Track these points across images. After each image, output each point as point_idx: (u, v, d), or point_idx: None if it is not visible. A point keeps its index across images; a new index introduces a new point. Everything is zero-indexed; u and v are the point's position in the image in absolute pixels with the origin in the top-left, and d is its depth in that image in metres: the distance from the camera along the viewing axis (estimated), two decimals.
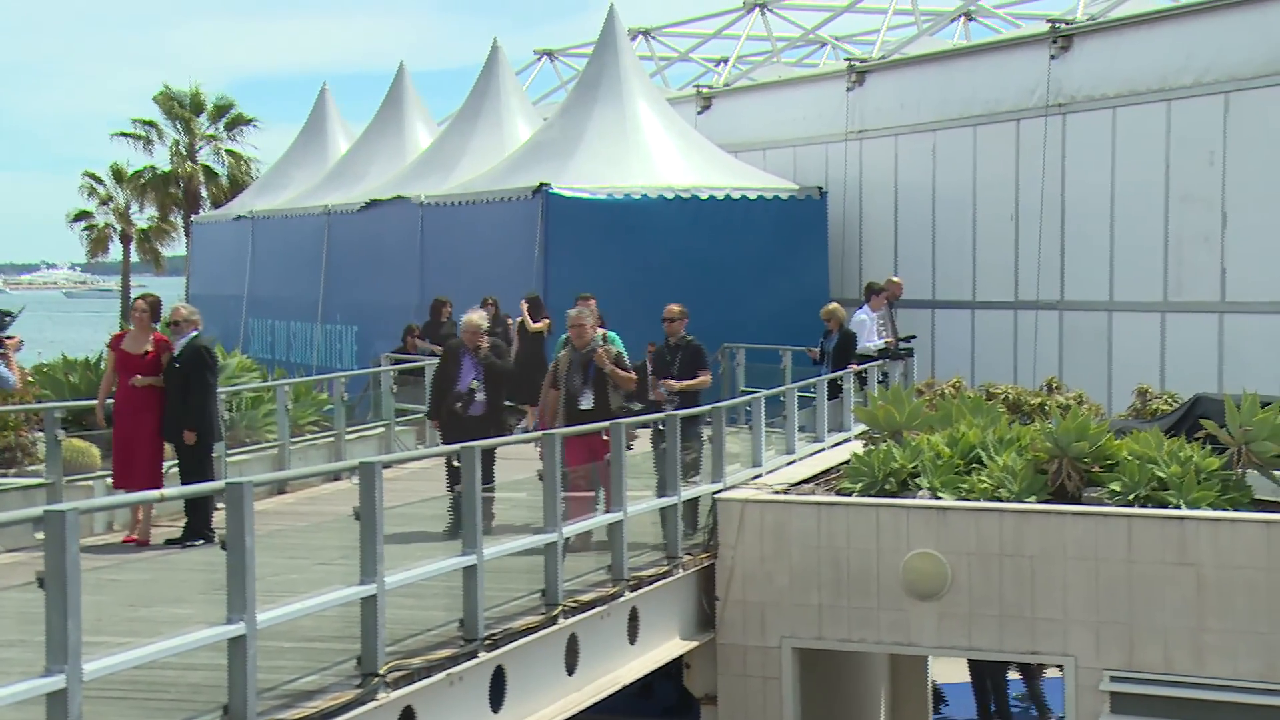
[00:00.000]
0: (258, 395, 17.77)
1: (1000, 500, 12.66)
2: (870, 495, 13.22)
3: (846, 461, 14.39)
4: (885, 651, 14.06)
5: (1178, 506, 12.11)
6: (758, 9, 34.87)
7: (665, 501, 12.81)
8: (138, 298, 13.84)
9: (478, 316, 13.84)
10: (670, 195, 25.00)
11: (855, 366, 18.60)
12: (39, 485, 13.62)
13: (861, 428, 15.85)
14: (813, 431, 16.71)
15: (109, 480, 13.57)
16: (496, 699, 9.92)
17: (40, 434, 14.44)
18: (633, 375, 13.42)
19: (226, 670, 7.72)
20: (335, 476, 15.69)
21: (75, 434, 14.39)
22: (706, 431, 14.12)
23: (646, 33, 38.77)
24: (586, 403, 13.11)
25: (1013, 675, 17.13)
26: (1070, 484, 12.71)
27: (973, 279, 25.17)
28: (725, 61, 35.47)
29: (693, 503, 13.37)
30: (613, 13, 27.68)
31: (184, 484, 12.80)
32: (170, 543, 12.80)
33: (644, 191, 24.98)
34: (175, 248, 53.49)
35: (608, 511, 11.92)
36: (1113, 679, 11.90)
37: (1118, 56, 22.81)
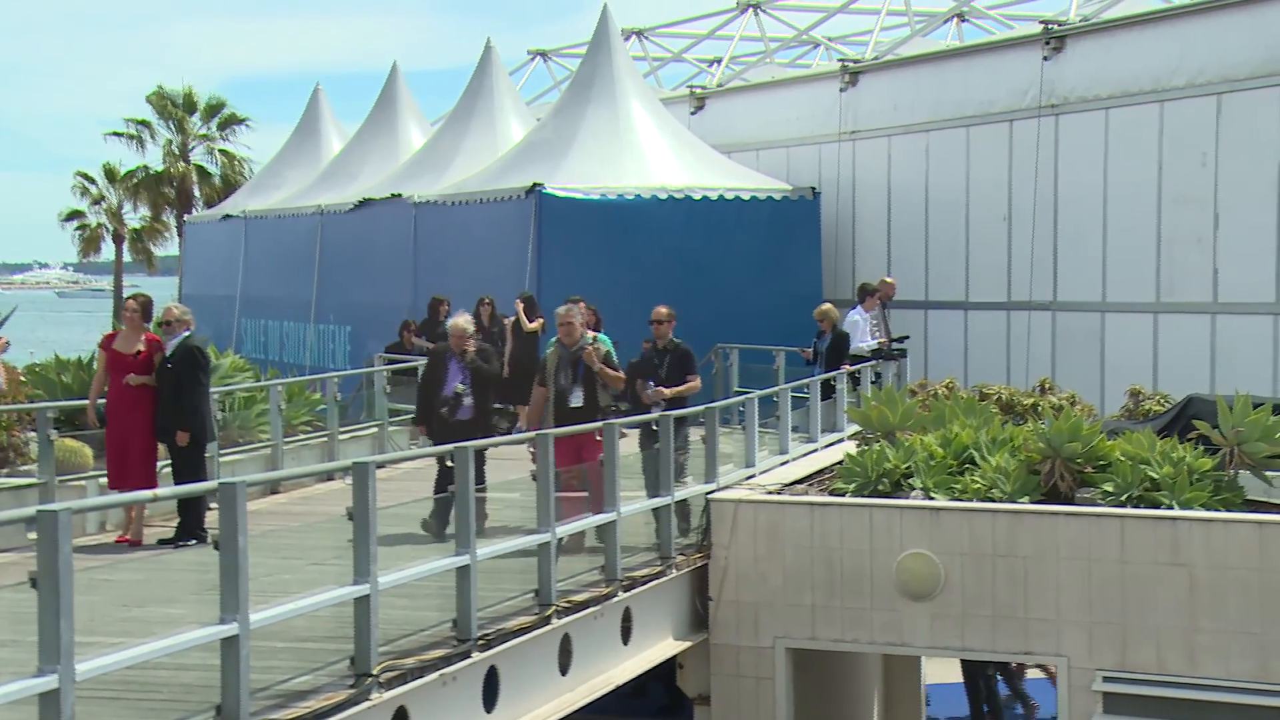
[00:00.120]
0: (251, 395, 17.75)
1: (993, 501, 12.67)
2: (863, 496, 13.24)
3: (840, 462, 14.40)
4: (878, 652, 14.08)
5: (1170, 507, 12.13)
6: (751, 10, 34.87)
7: (658, 502, 12.81)
8: (129, 297, 13.81)
9: (464, 320, 13.68)
10: (664, 195, 25.00)
11: (848, 367, 18.61)
12: (31, 485, 13.60)
13: (855, 428, 15.85)
14: (806, 432, 16.72)
15: (102, 480, 13.55)
16: (490, 699, 9.92)
17: (33, 434, 14.41)
18: (621, 374, 13.40)
19: (219, 670, 7.72)
20: (328, 476, 15.68)
21: (68, 434, 14.37)
22: (699, 433, 14.12)
23: (640, 33, 38.76)
24: (576, 400, 13.08)
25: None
26: (1063, 484, 12.73)
27: (966, 279, 25.19)
28: (718, 62, 35.47)
29: (682, 504, 13.35)
30: (606, 13, 27.67)
31: (177, 484, 12.78)
32: (163, 543, 12.79)
33: (637, 192, 24.97)
34: (168, 248, 53.43)
35: (594, 513, 11.90)
36: (1106, 679, 11.91)
37: (1110, 58, 22.83)
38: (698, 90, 33.07)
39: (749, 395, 15.62)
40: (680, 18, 40.03)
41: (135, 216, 52.21)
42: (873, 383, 18.79)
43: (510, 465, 13.07)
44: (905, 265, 25.72)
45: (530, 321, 19.93)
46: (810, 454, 16.15)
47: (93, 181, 51.89)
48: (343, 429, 18.12)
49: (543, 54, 42.68)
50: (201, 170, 50.93)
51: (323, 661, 8.70)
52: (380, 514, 8.90)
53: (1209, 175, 21.10)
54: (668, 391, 14.13)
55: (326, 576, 8.94)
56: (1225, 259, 20.93)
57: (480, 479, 10.71)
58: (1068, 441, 12.77)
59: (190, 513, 12.72)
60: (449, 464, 11.13)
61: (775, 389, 16.43)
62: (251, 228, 36.16)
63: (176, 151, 50.90)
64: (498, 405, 15.20)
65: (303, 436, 17.86)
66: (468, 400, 13.28)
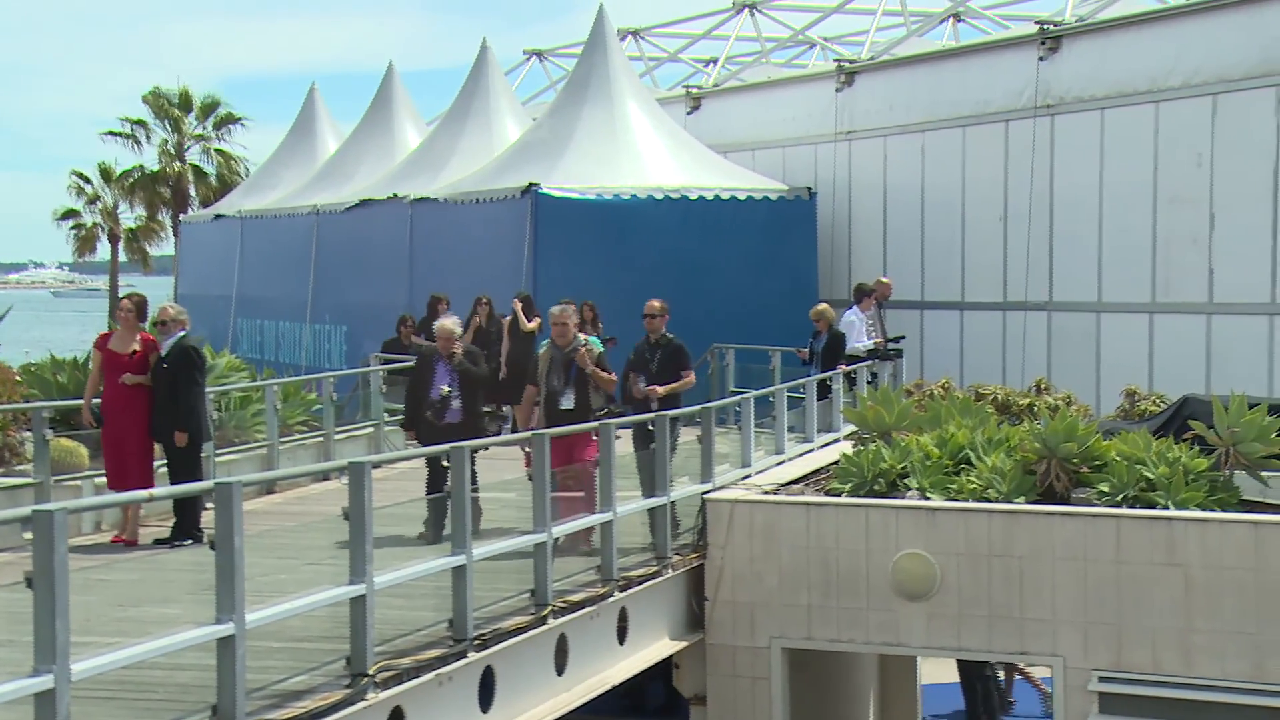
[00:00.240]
0: (246, 395, 17.75)
1: (989, 501, 12.67)
2: (859, 496, 13.23)
3: (836, 462, 14.40)
4: (874, 652, 14.08)
5: (1166, 507, 12.13)
6: (747, 10, 34.86)
7: (654, 502, 12.80)
8: (123, 297, 13.79)
9: (451, 322, 13.51)
10: (659, 195, 25.00)
11: (844, 367, 18.61)
12: (27, 485, 13.59)
13: (850, 428, 15.85)
14: (802, 432, 16.72)
15: (97, 480, 13.54)
16: (485, 699, 9.92)
17: (28, 433, 14.41)
18: (613, 376, 13.30)
19: (215, 670, 7.71)
20: (324, 476, 15.67)
21: (63, 434, 14.36)
22: (693, 433, 14.07)
23: (636, 33, 38.75)
24: (567, 403, 12.98)
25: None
26: (1059, 485, 12.73)
27: (961, 280, 25.20)
28: (714, 62, 35.47)
29: (672, 505, 13.30)
30: (602, 13, 27.67)
31: (173, 484, 12.78)
32: (159, 542, 12.78)
33: (633, 192, 24.98)
34: (163, 247, 53.39)
35: (585, 514, 11.87)
36: (1101, 679, 11.92)
37: (1106, 58, 22.85)
38: (694, 90, 33.07)
39: (745, 395, 15.60)
40: (676, 18, 40.05)
41: (131, 216, 52.23)
42: (869, 383, 18.79)
43: (504, 465, 13.07)
44: (901, 265, 25.72)
45: (528, 321, 19.92)
46: (806, 454, 16.15)
47: (88, 181, 51.86)
48: (338, 429, 18.11)
49: (539, 54, 42.66)
50: (197, 170, 50.90)
51: (318, 661, 8.70)
52: (376, 514, 8.90)
53: (1204, 175, 21.12)
54: (660, 390, 14.08)
55: (322, 576, 8.94)
56: (1221, 259, 20.94)
57: (472, 479, 10.70)
58: (1063, 442, 12.77)
59: (186, 513, 12.71)
60: (445, 464, 11.12)
61: (771, 389, 16.42)
62: (247, 227, 36.14)
63: (172, 151, 50.88)
64: (487, 409, 15.11)
65: (298, 436, 17.85)
66: (455, 403, 13.11)
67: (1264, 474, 12.59)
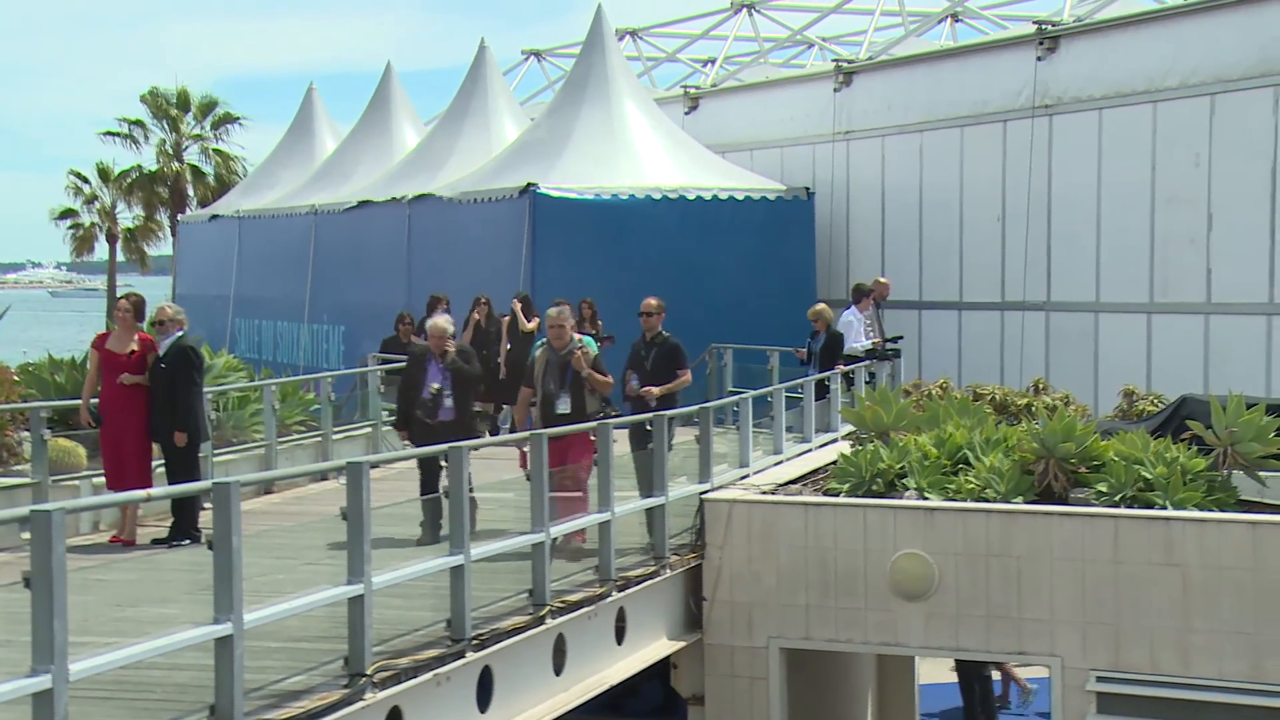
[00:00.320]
0: (244, 395, 17.74)
1: (987, 501, 12.67)
2: (857, 496, 13.23)
3: (834, 462, 14.40)
4: (872, 652, 14.08)
5: (1164, 507, 12.14)
6: (745, 10, 34.87)
7: (652, 502, 12.80)
8: (121, 297, 13.77)
9: (444, 320, 13.44)
10: (657, 195, 25.00)
11: (842, 367, 18.61)
12: (25, 485, 13.58)
13: (849, 428, 15.86)
14: (800, 432, 16.71)
15: (95, 480, 13.53)
16: (484, 699, 9.92)
17: (26, 433, 14.40)
18: (609, 380, 13.18)
19: (213, 670, 7.71)
20: (322, 476, 15.68)
21: (61, 433, 14.35)
22: (690, 433, 14.04)
23: (634, 33, 38.76)
24: (563, 407, 12.83)
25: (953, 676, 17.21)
26: (1057, 485, 12.74)
27: (959, 280, 25.20)
28: (712, 62, 35.48)
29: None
30: (600, 13, 27.68)
31: (171, 484, 12.77)
32: (157, 542, 12.77)
33: (631, 191, 24.98)
34: (161, 247, 53.40)
35: (578, 515, 11.85)
36: (1099, 679, 11.92)
37: (1104, 58, 22.85)
38: (692, 90, 33.08)
39: (743, 395, 15.60)
40: (674, 18, 40.07)
41: (129, 216, 52.22)
42: (867, 383, 18.79)
43: (499, 465, 13.05)
44: (899, 265, 25.72)
45: (527, 322, 19.93)
46: (804, 454, 16.15)
47: (86, 181, 51.84)
48: (336, 429, 18.11)
49: (537, 54, 42.67)
50: (195, 170, 50.89)
51: (317, 661, 8.70)
52: (374, 514, 8.90)
53: (1202, 176, 21.12)
54: (656, 390, 14.02)
55: (320, 576, 8.93)
56: (1219, 259, 20.95)
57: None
58: (1062, 442, 12.78)
59: (184, 513, 12.70)
60: (443, 463, 11.11)
61: (770, 389, 16.41)
62: (245, 228, 36.14)
63: (170, 151, 50.86)
64: (478, 409, 15.05)
65: (296, 436, 17.84)
66: (448, 401, 12.99)
67: (1262, 474, 12.60)
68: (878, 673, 16.28)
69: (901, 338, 21.25)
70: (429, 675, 9.23)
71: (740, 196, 25.55)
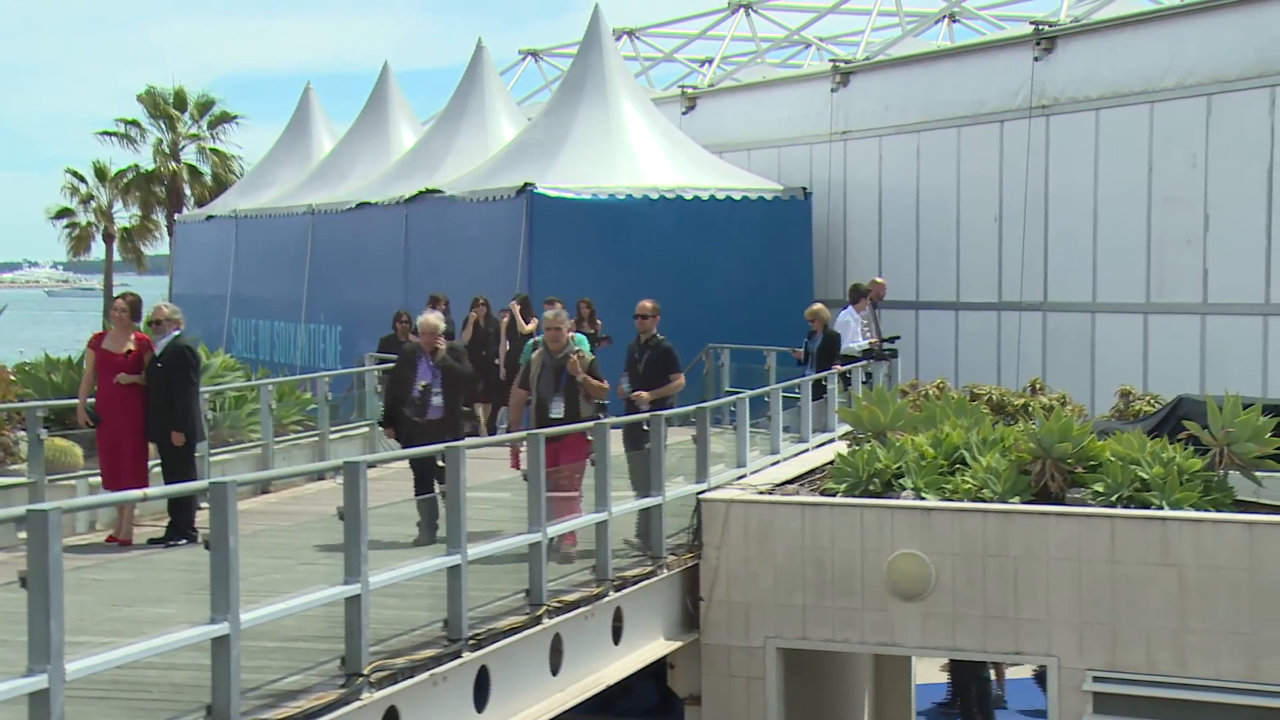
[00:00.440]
0: (241, 395, 17.74)
1: (984, 501, 12.68)
2: (854, 496, 13.24)
3: (831, 462, 14.40)
4: (869, 652, 14.08)
5: (1160, 507, 12.15)
6: (742, 10, 34.88)
7: (648, 502, 12.79)
8: (117, 297, 13.77)
9: (435, 317, 13.38)
10: (655, 195, 25.00)
11: (839, 367, 18.62)
12: (21, 484, 13.57)
13: (846, 428, 15.86)
14: (797, 432, 16.72)
15: (92, 480, 13.52)
16: (480, 699, 9.92)
17: (23, 433, 14.39)
18: (605, 384, 13.12)
19: (210, 670, 7.71)
20: (319, 476, 15.68)
21: (58, 433, 14.34)
22: (686, 433, 14.03)
23: (631, 33, 38.77)
24: (557, 411, 12.73)
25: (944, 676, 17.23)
26: (1053, 485, 12.74)
27: (956, 280, 25.22)
28: (710, 62, 35.47)
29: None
30: (597, 13, 27.68)
31: (167, 483, 12.76)
32: (153, 542, 12.77)
33: (628, 192, 24.98)
34: (158, 247, 53.34)
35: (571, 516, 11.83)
36: (1096, 679, 11.93)
37: (1101, 58, 22.87)
38: (689, 90, 33.09)
39: (740, 395, 15.60)
40: (672, 18, 40.10)
41: (125, 215, 52.13)
42: (864, 383, 18.80)
43: (495, 465, 13.04)
44: (896, 265, 25.73)
45: (526, 323, 19.93)
46: (801, 454, 16.15)
47: (83, 180, 51.77)
48: (333, 428, 18.11)
49: (534, 54, 42.69)
50: (192, 169, 50.82)
51: (313, 661, 8.69)
52: (371, 513, 8.90)
53: (1199, 176, 21.14)
54: (648, 395, 13.95)
55: (317, 576, 8.93)
56: (1215, 260, 20.96)
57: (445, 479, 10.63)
58: (1058, 442, 12.78)
59: (181, 512, 12.70)
60: (441, 463, 11.10)
61: (766, 389, 16.41)
62: (242, 227, 36.14)
63: (167, 150, 50.80)
64: (466, 408, 15.00)
65: (293, 436, 17.84)
66: (436, 399, 12.91)
67: (1258, 474, 12.61)
68: (875, 673, 16.28)
69: (898, 338, 21.26)
70: (426, 675, 9.23)
71: (737, 196, 25.56)
